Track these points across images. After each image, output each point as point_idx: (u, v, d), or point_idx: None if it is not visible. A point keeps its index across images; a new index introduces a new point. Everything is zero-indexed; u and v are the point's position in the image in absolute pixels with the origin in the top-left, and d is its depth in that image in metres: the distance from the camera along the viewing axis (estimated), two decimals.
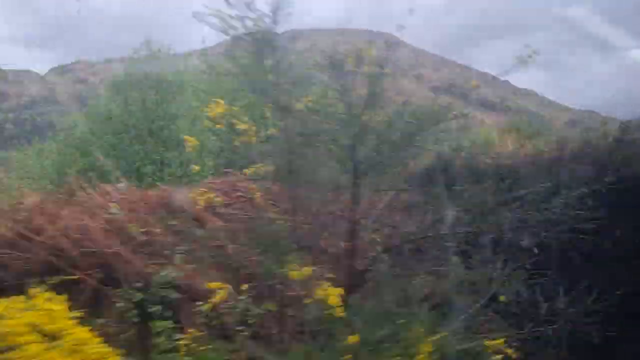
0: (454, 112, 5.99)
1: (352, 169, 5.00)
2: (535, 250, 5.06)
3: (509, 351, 4.52)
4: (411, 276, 5.16)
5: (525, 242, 4.93)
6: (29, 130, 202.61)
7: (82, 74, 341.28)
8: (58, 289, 4.70)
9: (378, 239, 5.63)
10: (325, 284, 4.40)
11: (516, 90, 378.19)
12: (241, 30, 4.83)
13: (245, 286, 5.68)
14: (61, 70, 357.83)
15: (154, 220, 7.13)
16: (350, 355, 4.11)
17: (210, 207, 6.52)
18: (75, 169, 17.83)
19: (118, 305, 6.08)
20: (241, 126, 5.12)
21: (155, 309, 6.05)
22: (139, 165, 20.75)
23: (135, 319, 6.03)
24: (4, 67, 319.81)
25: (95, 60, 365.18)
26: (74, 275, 6.22)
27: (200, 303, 5.48)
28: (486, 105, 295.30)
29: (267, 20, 4.77)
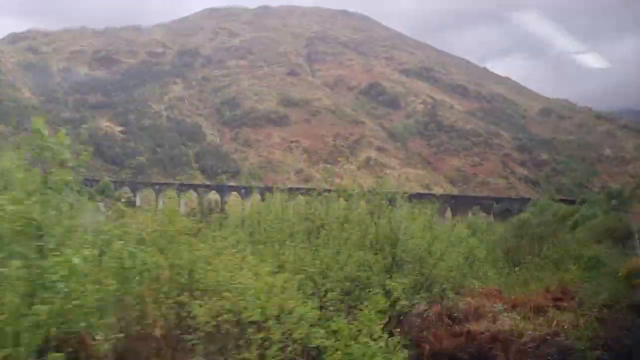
0: None
1: None
2: None
3: None
4: None
5: None
6: None
7: (35, 43, 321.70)
8: None
9: None
10: None
11: (492, 77, 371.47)
12: None
13: None
14: (13, 39, 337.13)
15: None
16: None
17: None
18: None
19: None
20: None
21: None
22: None
23: None
24: None
25: (51, 29, 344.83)
26: None
27: None
28: (457, 91, 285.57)
29: None
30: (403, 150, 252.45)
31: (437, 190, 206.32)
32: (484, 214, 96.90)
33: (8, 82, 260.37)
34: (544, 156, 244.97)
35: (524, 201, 79.79)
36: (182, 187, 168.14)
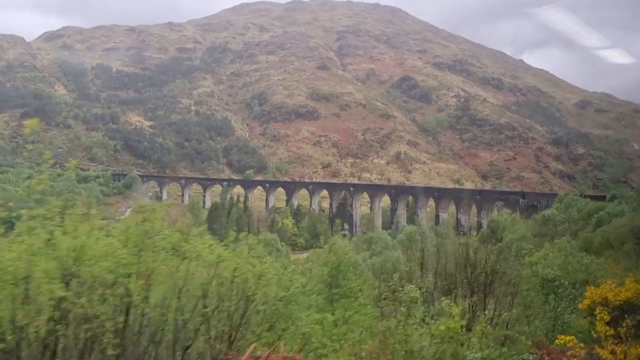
0: None
1: None
2: None
3: None
4: None
5: None
6: None
7: (69, 40, 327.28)
8: None
9: None
10: None
11: (529, 69, 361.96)
12: None
13: None
14: (49, 37, 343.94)
15: None
16: None
17: None
18: None
19: None
20: None
21: None
22: None
23: None
24: None
25: (85, 27, 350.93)
26: None
27: None
28: (492, 84, 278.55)
29: None
30: (434, 145, 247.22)
31: (468, 185, 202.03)
32: (508, 210, 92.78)
33: (43, 79, 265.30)
34: (580, 150, 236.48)
35: (551, 196, 74.95)
36: (208, 182, 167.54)
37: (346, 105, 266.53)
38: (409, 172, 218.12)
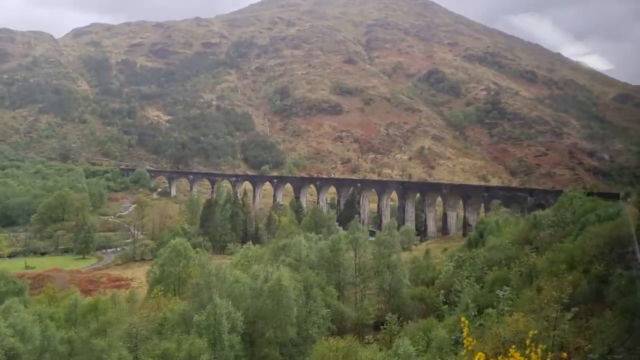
0: None
1: None
2: None
3: None
4: None
5: None
6: (15, 92, 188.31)
7: (97, 37, 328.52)
8: None
9: None
10: None
11: (566, 62, 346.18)
12: None
13: None
14: (77, 33, 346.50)
15: None
16: None
17: None
18: None
19: None
20: None
21: None
22: None
23: None
24: (12, 28, 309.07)
25: (113, 23, 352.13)
26: None
27: None
28: (525, 77, 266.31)
29: None
30: (461, 140, 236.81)
31: (494, 182, 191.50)
32: (507, 209, 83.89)
33: (67, 75, 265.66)
34: (618, 146, 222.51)
35: (560, 194, 65.93)
36: (216, 177, 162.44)
37: (370, 100, 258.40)
38: (432, 168, 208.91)
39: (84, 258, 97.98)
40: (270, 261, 48.13)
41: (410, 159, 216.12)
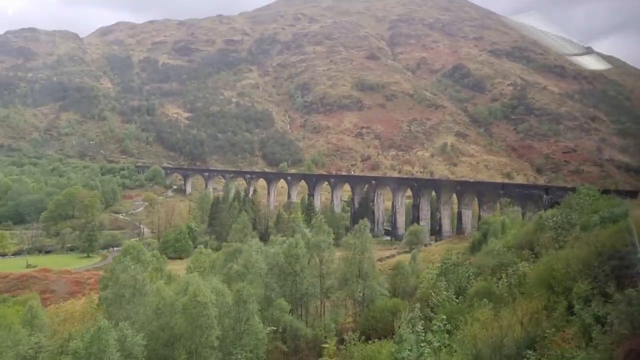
0: None
1: None
2: None
3: None
4: None
5: None
6: (37, 90, 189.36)
7: (121, 35, 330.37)
8: None
9: None
10: None
11: (597, 57, 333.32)
12: None
13: None
14: (102, 32, 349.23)
15: None
16: None
17: None
18: None
19: None
20: None
21: None
22: None
23: None
24: (41, 28, 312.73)
25: (138, 22, 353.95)
26: None
27: None
28: (554, 71, 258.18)
29: None
30: (485, 136, 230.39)
31: (519, 180, 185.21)
32: (517, 208, 79.15)
33: (90, 73, 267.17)
34: None
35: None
36: (230, 174, 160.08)
37: (392, 95, 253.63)
38: (455, 165, 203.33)
39: (88, 256, 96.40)
40: (221, 268, 44.59)
41: (432, 155, 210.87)
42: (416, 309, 26.61)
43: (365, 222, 44.95)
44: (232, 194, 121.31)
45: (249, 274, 38.77)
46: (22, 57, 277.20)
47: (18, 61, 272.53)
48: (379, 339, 26.80)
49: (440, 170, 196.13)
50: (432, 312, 25.05)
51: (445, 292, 26.45)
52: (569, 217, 36.38)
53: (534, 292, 19.53)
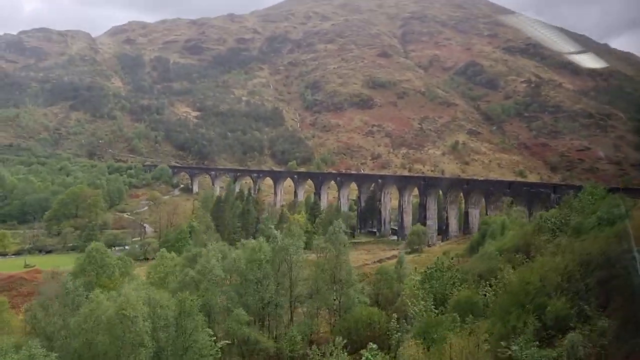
0: None
1: None
2: None
3: None
4: None
5: None
6: (48, 89, 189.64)
7: (133, 34, 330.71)
8: None
9: None
10: None
11: (613, 53, 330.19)
12: None
13: None
14: (114, 31, 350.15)
15: None
16: None
17: None
18: None
19: None
20: None
21: None
22: None
23: None
24: (52, 27, 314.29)
25: (149, 21, 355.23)
26: None
27: None
28: (568, 68, 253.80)
29: None
30: (498, 134, 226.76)
31: (532, 178, 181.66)
32: (521, 208, 76.37)
33: (101, 72, 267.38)
34: None
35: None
36: (238, 173, 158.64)
37: (404, 93, 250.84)
38: (466, 163, 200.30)
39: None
40: (179, 274, 41.98)
41: (443, 154, 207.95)
42: (393, 320, 24.49)
43: (339, 223, 42.14)
44: (234, 193, 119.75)
45: (204, 281, 35.90)
46: (34, 57, 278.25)
47: (30, 61, 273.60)
48: (356, 351, 24.74)
49: (452, 168, 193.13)
50: (407, 323, 22.88)
51: (423, 302, 23.95)
52: (567, 218, 34.03)
53: (502, 310, 17.29)
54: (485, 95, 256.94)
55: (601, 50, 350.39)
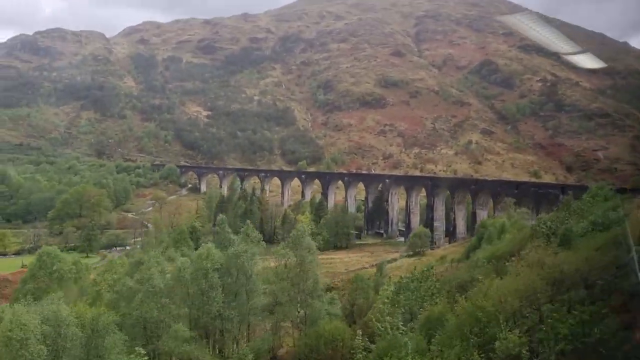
0: None
1: None
2: None
3: None
4: None
5: None
6: (61, 89, 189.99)
7: (147, 35, 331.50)
8: None
9: None
10: None
11: (633, 52, 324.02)
12: None
13: None
14: (129, 31, 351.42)
15: None
16: None
17: None
18: None
19: None
20: None
21: None
22: None
23: None
24: (69, 28, 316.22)
25: (164, 21, 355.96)
26: None
27: None
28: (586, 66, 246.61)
29: None
30: (512, 134, 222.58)
31: (547, 179, 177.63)
32: (525, 209, 73.21)
33: (114, 72, 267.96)
34: None
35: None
36: (245, 173, 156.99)
37: (417, 92, 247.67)
38: (479, 163, 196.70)
39: (87, 256, 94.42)
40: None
41: (456, 154, 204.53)
42: (358, 336, 22.05)
43: (303, 228, 38.16)
44: (237, 193, 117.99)
45: (141, 292, 32.33)
46: (48, 57, 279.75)
47: (44, 61, 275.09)
48: None
49: (464, 168, 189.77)
50: (371, 342, 20.38)
51: (388, 318, 21.13)
52: (565, 222, 31.45)
53: (444, 343, 14.72)
54: (500, 94, 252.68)
55: (620, 49, 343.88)
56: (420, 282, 26.81)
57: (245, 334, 36.09)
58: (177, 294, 33.55)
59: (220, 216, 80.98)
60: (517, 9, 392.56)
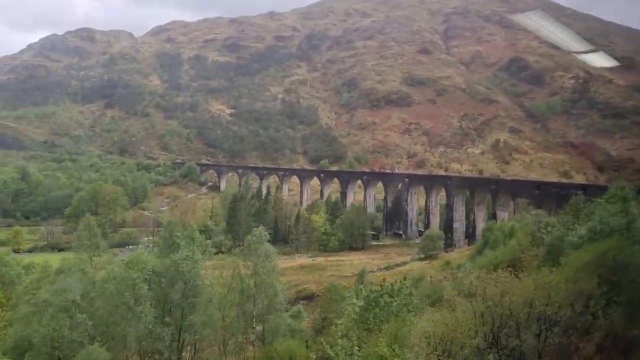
0: None
1: None
2: None
3: None
4: None
5: None
6: (88, 88, 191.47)
7: (174, 34, 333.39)
8: None
9: None
10: None
11: None
12: None
13: None
14: (157, 31, 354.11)
15: None
16: None
17: None
18: None
19: None
20: None
21: None
22: None
23: None
24: (101, 28, 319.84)
25: (191, 20, 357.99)
26: None
27: None
28: (621, 63, 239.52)
29: None
30: (542, 132, 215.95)
31: (578, 179, 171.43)
32: (542, 211, 69.03)
33: (140, 70, 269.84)
34: None
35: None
36: (264, 171, 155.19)
37: (443, 90, 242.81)
38: (507, 163, 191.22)
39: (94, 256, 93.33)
40: None
41: (482, 153, 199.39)
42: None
43: (260, 231, 33.94)
44: (250, 191, 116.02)
45: (53, 306, 28.43)
46: (77, 56, 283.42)
47: (73, 60, 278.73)
48: None
49: (491, 168, 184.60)
50: None
51: (341, 340, 17.76)
52: (570, 227, 28.00)
53: None
54: (529, 91, 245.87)
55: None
56: (392, 297, 23.43)
57: (186, 354, 32.56)
58: (99, 308, 30.37)
59: (167, 219, 65.63)
60: (547, 6, 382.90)
